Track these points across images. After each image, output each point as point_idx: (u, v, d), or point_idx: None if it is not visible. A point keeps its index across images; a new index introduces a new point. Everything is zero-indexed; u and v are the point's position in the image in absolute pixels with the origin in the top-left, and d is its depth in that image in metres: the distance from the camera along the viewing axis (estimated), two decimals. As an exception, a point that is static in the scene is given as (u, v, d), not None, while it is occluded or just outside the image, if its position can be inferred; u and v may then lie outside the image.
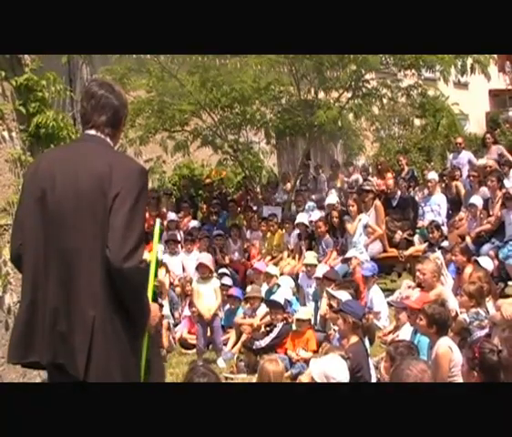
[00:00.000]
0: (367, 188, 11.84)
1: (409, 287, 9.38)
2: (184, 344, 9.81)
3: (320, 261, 10.74)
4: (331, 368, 5.31)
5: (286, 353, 8.17)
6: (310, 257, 10.60)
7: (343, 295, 7.81)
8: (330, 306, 7.79)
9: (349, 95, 13.30)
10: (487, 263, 8.61)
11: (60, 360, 3.27)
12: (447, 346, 6.07)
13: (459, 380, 5.42)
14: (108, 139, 3.56)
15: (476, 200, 10.74)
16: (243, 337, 9.14)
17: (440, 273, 8.58)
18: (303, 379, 6.71)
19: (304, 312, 8.70)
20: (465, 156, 14.76)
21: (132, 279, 3.23)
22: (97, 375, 3.21)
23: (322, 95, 13.55)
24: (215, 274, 10.02)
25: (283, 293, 9.12)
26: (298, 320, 8.42)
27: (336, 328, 7.21)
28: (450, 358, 5.99)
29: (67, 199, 3.33)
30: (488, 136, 14.53)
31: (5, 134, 4.60)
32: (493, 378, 4.46)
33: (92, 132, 3.54)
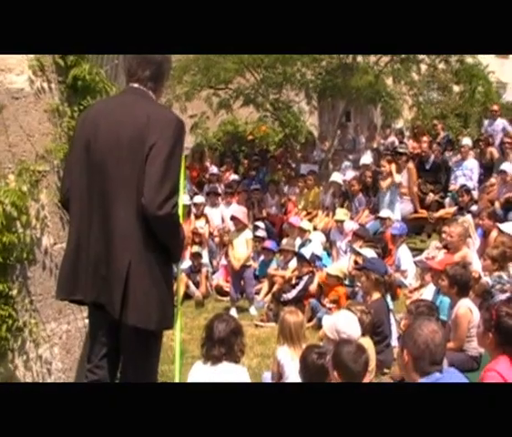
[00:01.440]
0: (401, 150, 11.60)
1: (437, 248, 9.22)
2: (220, 291, 9.87)
3: (352, 219, 10.62)
4: (341, 323, 5.22)
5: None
6: (340, 213, 10.50)
7: (369, 252, 7.70)
8: (356, 262, 7.69)
9: (387, 59, 12.93)
10: (510, 229, 8.34)
11: (101, 300, 3.40)
12: (467, 307, 5.95)
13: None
14: (151, 93, 3.58)
15: (507, 167, 10.40)
16: (275, 287, 9.10)
17: (467, 236, 8.37)
18: (320, 333, 6.68)
19: (334, 268, 8.58)
20: (500, 123, 14.39)
21: (167, 223, 3.31)
22: (136, 316, 3.32)
23: (360, 58, 13.22)
24: (250, 226, 9.97)
25: (312, 248, 9.04)
26: (328, 274, 8.32)
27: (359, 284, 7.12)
28: (469, 319, 5.88)
29: (109, 148, 3.38)
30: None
31: (45, 85, 4.58)
32: (507, 341, 4.31)
33: (136, 85, 3.57)
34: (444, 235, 8.85)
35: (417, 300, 5.89)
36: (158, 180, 3.23)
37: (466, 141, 12.39)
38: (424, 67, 13.73)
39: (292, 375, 5.35)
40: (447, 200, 11.64)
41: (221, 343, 4.32)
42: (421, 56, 12.97)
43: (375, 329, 6.02)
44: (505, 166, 10.48)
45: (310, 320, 7.71)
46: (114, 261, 3.34)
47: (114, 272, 3.33)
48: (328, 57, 13.45)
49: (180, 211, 3.68)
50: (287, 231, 11.04)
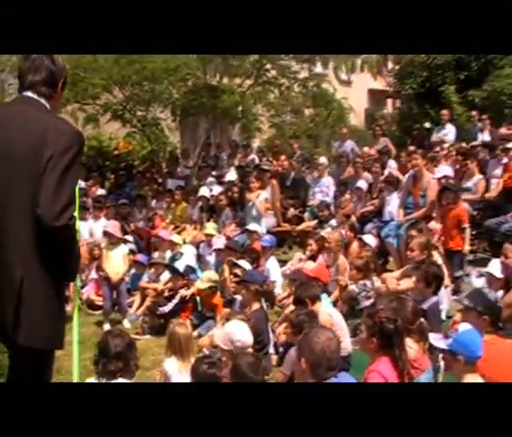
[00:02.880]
0: (265, 167, 11.77)
1: (300, 259, 9.42)
2: (90, 305, 9.39)
3: (220, 232, 10.58)
4: (235, 332, 5.17)
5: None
6: (210, 227, 10.45)
7: (245, 264, 7.66)
8: (234, 275, 7.61)
9: (250, 81, 13.13)
10: (371, 240, 8.68)
11: None
12: (327, 313, 6.07)
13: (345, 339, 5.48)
14: (43, 100, 3.30)
15: (362, 184, 10.84)
16: (147, 300, 8.83)
17: (342, 243, 8.63)
18: (205, 340, 6.55)
19: (204, 280, 8.43)
20: (349, 145, 14.95)
21: (63, 235, 3.08)
22: (25, 335, 3.07)
23: (225, 80, 13.33)
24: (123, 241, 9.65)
25: (186, 260, 8.90)
26: (199, 290, 8.15)
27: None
28: (331, 323, 5.99)
29: (3, 160, 3.12)
30: (378, 128, 14.73)
31: None
32: (389, 344, 4.42)
33: (28, 94, 3.30)
34: (309, 247, 9.10)
35: (296, 310, 5.90)
36: (55, 191, 3.01)
37: (323, 160, 12.75)
38: (283, 90, 14.05)
39: (179, 387, 5.18)
40: (306, 215, 11.90)
41: (118, 358, 4.09)
42: (282, 80, 13.29)
43: (256, 337, 5.94)
44: (360, 183, 10.89)
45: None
46: (6, 277, 3.07)
47: (6, 289, 3.07)
48: (194, 77, 13.42)
49: (78, 225, 3.43)
50: (156, 245, 10.78)
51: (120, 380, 4.06)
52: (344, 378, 3.68)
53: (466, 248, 8.22)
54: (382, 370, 4.34)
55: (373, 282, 7.22)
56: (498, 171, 10.30)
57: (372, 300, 7.10)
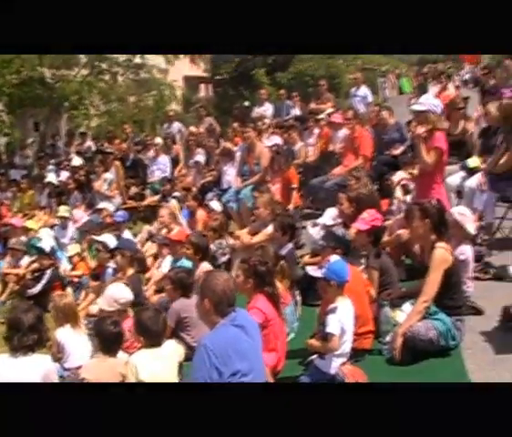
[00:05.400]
0: (108, 150, 11.65)
1: (148, 231, 9.57)
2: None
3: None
4: (117, 292, 5.31)
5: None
6: (62, 210, 10.20)
7: (109, 237, 7.67)
8: (97, 250, 7.59)
9: (86, 72, 12.80)
10: (216, 205, 9.04)
11: None
12: (207, 268, 6.38)
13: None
14: None
15: (199, 158, 11.16)
16: (10, 286, 8.50)
17: (176, 215, 8.84)
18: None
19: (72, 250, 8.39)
20: (176, 126, 15.12)
21: None
22: None
23: (63, 71, 12.85)
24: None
25: (47, 242, 8.64)
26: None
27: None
28: None
29: None
30: (202, 109, 15.03)
31: None
32: (262, 283, 4.84)
33: None
34: (160, 218, 9.25)
35: (174, 269, 6.11)
36: None
37: (158, 140, 12.86)
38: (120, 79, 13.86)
39: (77, 351, 5.21)
40: (148, 191, 12.02)
41: (32, 331, 3.98)
42: (116, 69, 13.11)
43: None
44: (198, 158, 11.20)
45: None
46: None
47: None
48: (30, 70, 12.76)
49: None
50: (7, 234, 10.28)
51: (35, 355, 3.96)
52: (240, 313, 3.96)
53: (291, 206, 8.81)
54: (260, 306, 4.76)
55: (227, 240, 7.62)
56: (311, 140, 11.18)
57: (228, 256, 7.53)
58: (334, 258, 4.54)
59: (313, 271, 4.70)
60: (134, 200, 11.71)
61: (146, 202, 11.46)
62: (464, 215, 5.52)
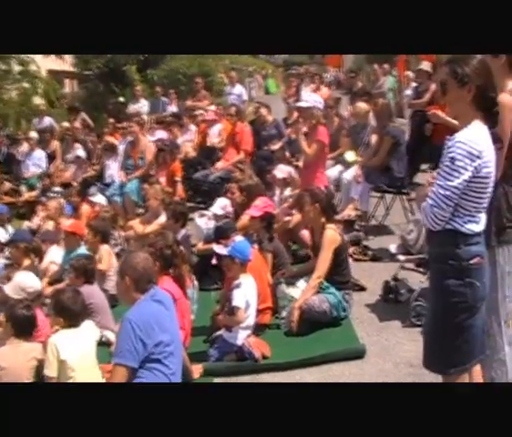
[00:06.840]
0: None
1: (29, 227, 9.38)
2: None
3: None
4: (25, 280, 5.31)
5: None
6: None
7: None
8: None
9: None
10: (101, 199, 9.06)
11: None
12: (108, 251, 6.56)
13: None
14: None
15: (80, 153, 11.02)
16: None
17: (62, 210, 8.75)
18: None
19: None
20: (47, 120, 14.72)
21: None
22: None
23: None
24: None
25: None
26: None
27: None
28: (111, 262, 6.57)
29: None
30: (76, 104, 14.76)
31: None
32: (168, 265, 5.11)
33: None
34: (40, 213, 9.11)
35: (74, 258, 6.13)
36: None
37: (34, 134, 12.48)
38: None
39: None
40: (23, 187, 11.69)
41: None
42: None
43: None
44: (79, 152, 11.02)
45: None
46: None
47: None
48: None
49: None
50: None
51: None
52: (158, 289, 4.18)
53: (176, 198, 9.08)
54: (167, 287, 5.03)
55: (119, 232, 7.75)
56: (187, 136, 11.43)
57: (121, 247, 7.65)
58: (239, 238, 4.94)
59: (219, 249, 5.06)
60: (8, 196, 11.34)
61: (25, 198, 11.13)
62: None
